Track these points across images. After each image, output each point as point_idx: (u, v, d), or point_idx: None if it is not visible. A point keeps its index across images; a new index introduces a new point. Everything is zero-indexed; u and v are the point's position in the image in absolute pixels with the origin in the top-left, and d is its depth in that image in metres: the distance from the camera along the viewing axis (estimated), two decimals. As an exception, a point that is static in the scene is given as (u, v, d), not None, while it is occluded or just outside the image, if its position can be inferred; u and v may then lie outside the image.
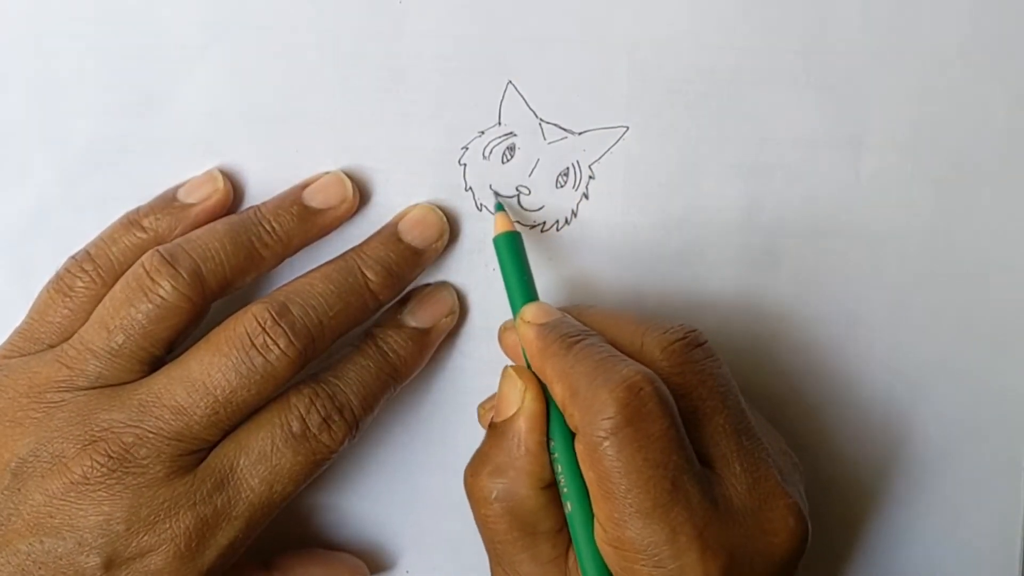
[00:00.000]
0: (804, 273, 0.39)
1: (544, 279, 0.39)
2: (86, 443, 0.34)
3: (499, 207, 0.38)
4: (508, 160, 0.39)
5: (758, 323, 0.40)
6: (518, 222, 0.39)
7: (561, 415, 0.34)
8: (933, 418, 0.40)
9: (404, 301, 0.39)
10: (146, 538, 0.33)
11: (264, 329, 0.34)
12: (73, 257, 0.37)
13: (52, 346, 0.36)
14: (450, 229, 0.39)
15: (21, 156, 0.39)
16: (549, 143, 0.39)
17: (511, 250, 0.36)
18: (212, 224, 0.37)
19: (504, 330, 0.38)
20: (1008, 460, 0.40)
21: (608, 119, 0.39)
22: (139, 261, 0.35)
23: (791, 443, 0.38)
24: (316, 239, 0.38)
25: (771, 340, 0.40)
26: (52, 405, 0.35)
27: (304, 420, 0.35)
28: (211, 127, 0.39)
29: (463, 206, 0.39)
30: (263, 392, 0.34)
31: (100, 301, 0.36)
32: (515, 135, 0.39)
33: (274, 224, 0.37)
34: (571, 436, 0.33)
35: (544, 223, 0.39)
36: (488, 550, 0.35)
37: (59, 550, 0.33)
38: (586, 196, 0.39)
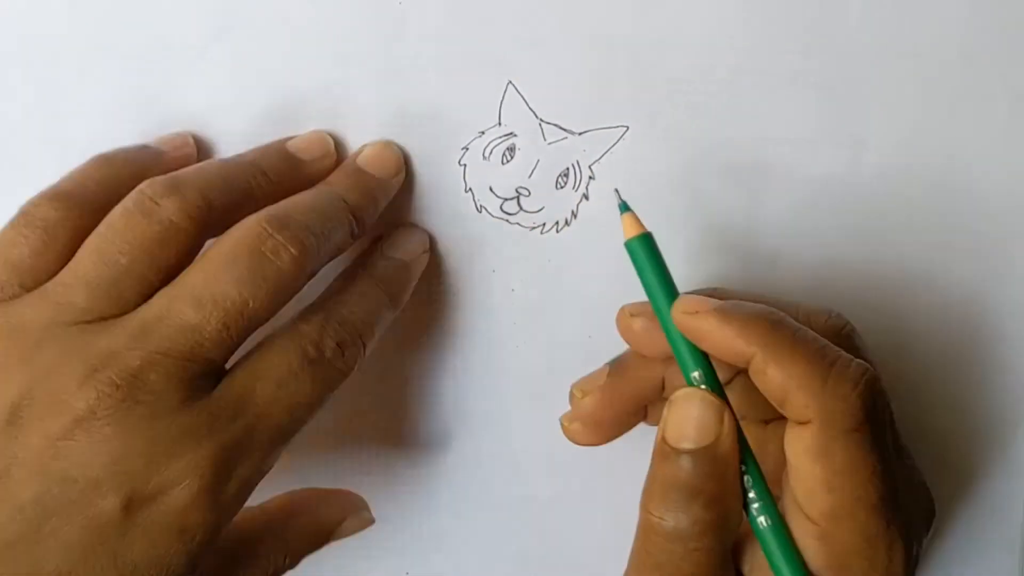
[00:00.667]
0: (804, 273, 0.39)
1: (544, 279, 0.39)
2: (87, 374, 0.31)
3: (624, 207, 0.34)
4: (508, 161, 0.39)
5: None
6: (518, 224, 0.39)
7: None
8: (933, 418, 0.40)
9: (380, 239, 0.38)
10: (167, 472, 0.30)
11: (272, 234, 0.33)
12: (40, 193, 0.34)
13: (25, 287, 0.33)
14: (454, 231, 0.39)
15: (21, 156, 0.39)
16: (549, 143, 0.39)
17: (647, 251, 0.33)
18: (203, 163, 0.36)
19: (631, 316, 0.35)
20: (1008, 460, 0.40)
21: (608, 119, 0.39)
22: (137, 188, 0.33)
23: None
24: (301, 188, 0.37)
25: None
26: (40, 344, 0.31)
27: (319, 345, 0.33)
28: (211, 127, 0.39)
29: (463, 207, 0.39)
30: (274, 304, 0.33)
31: (78, 235, 0.33)
32: (515, 135, 0.39)
33: (265, 169, 0.36)
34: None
35: (544, 224, 0.39)
36: None
37: (71, 495, 0.30)
38: (586, 197, 0.39)
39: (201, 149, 0.39)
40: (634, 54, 0.38)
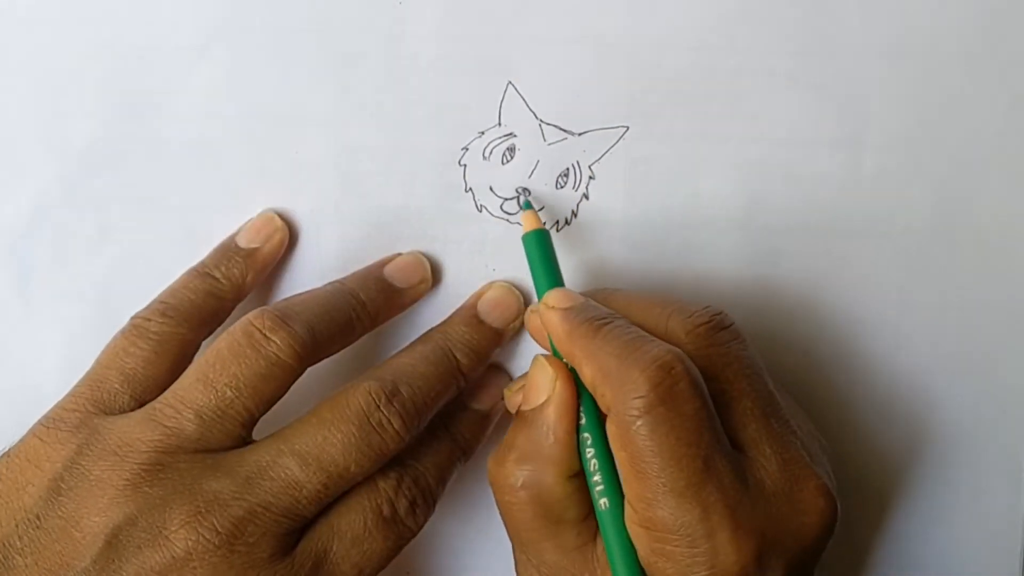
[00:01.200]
0: (804, 273, 0.39)
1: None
2: (191, 514, 0.32)
3: (527, 205, 0.38)
4: (508, 161, 0.39)
5: (758, 323, 0.40)
6: (518, 224, 0.39)
7: (592, 399, 0.33)
8: (934, 418, 0.40)
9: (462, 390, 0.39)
10: None
11: (379, 406, 0.34)
12: (139, 312, 0.36)
13: (136, 398, 0.34)
14: (454, 231, 0.39)
15: (21, 156, 0.39)
16: (549, 144, 0.39)
17: (540, 246, 0.36)
18: (312, 291, 0.37)
19: (531, 312, 0.38)
20: (1009, 459, 0.40)
21: (608, 119, 0.39)
22: (245, 318, 0.34)
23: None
24: (395, 315, 0.38)
25: (771, 340, 0.40)
26: (148, 469, 0.32)
27: (394, 504, 0.34)
28: (211, 128, 0.39)
29: (463, 207, 0.39)
30: (370, 471, 0.34)
31: (181, 345, 0.35)
32: (515, 136, 0.39)
33: (363, 300, 0.37)
34: (602, 419, 0.33)
35: (544, 224, 0.39)
36: (512, 538, 0.35)
37: None
38: (586, 196, 0.39)
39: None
40: (634, 54, 0.38)
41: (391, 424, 0.34)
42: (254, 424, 0.34)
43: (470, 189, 0.39)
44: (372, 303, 0.37)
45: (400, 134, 0.39)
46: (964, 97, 0.39)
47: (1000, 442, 0.40)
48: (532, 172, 0.39)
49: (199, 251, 0.39)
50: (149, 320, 0.35)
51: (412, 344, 0.38)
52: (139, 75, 0.39)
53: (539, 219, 0.37)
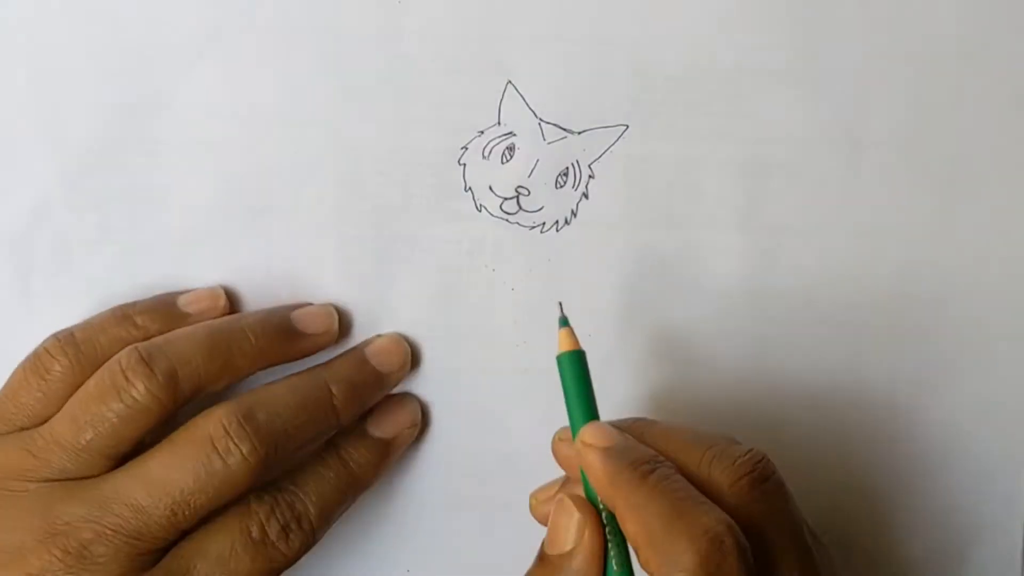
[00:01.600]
0: (804, 272, 0.39)
1: (544, 280, 0.39)
2: (45, 536, 0.33)
3: (564, 322, 0.35)
4: (508, 160, 0.39)
5: (758, 322, 0.40)
6: (518, 223, 0.39)
7: (622, 546, 0.32)
8: (933, 417, 0.40)
9: (368, 410, 0.39)
10: None
11: (228, 433, 0.34)
12: (55, 336, 0.37)
13: (23, 428, 0.36)
14: (453, 231, 0.39)
15: (20, 157, 0.39)
16: (549, 143, 0.39)
17: (575, 368, 0.35)
18: (194, 327, 0.37)
19: (560, 441, 0.36)
20: (1009, 459, 0.40)
21: (608, 118, 0.39)
22: (116, 357, 0.35)
23: (791, 444, 0.38)
24: (292, 360, 0.38)
25: (771, 339, 0.40)
26: (13, 494, 0.34)
27: (264, 527, 0.35)
28: (210, 128, 0.39)
29: (463, 207, 0.39)
30: (221, 496, 0.34)
31: (75, 388, 0.36)
32: (515, 135, 0.39)
33: (256, 338, 0.37)
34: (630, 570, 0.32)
35: (544, 223, 0.39)
36: None
37: None
38: (586, 196, 0.39)
39: (262, 211, 0.39)
40: (633, 53, 0.38)
41: (239, 450, 0.34)
42: (121, 457, 0.35)
43: (469, 188, 0.39)
44: (266, 338, 0.37)
45: (399, 133, 0.39)
46: (964, 97, 0.39)
47: (1000, 442, 0.40)
48: (532, 171, 0.39)
49: (199, 251, 0.39)
50: (53, 359, 0.36)
51: (288, 376, 0.37)
52: (139, 75, 0.39)
53: (575, 339, 0.35)
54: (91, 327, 0.37)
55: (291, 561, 0.35)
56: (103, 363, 0.36)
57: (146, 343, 0.35)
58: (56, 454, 0.34)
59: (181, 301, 0.38)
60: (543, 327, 0.40)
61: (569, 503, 0.33)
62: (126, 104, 0.39)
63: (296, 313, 0.38)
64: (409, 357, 0.39)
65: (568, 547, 0.32)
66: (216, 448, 0.34)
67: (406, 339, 0.40)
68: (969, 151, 0.39)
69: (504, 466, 0.41)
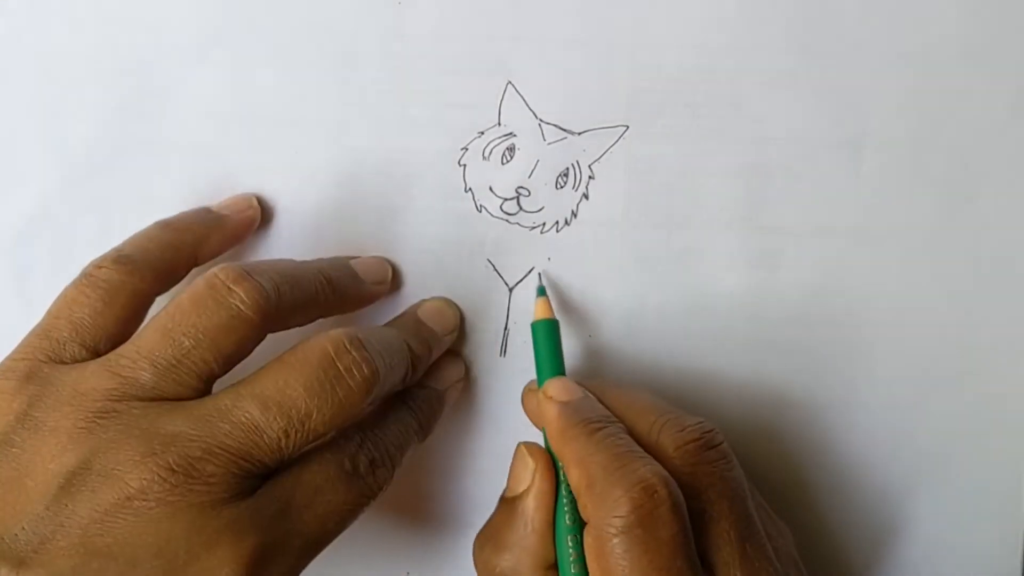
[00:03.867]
0: (804, 273, 0.39)
1: (544, 278, 0.39)
2: (147, 454, 0.31)
3: (541, 291, 0.38)
4: (508, 161, 0.39)
5: (758, 323, 0.40)
6: (518, 224, 0.39)
7: (574, 498, 0.34)
8: (934, 418, 0.40)
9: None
10: (205, 562, 0.31)
11: (350, 351, 0.33)
12: (99, 257, 0.35)
13: (85, 347, 0.34)
14: (454, 231, 0.39)
15: (20, 158, 0.39)
16: (549, 143, 0.39)
17: (548, 336, 0.37)
18: (280, 259, 0.37)
19: (528, 391, 0.38)
20: (1009, 461, 0.40)
21: (608, 119, 0.39)
22: (211, 271, 0.33)
23: (791, 444, 0.38)
24: (355, 308, 0.38)
25: (770, 340, 0.40)
26: (104, 415, 0.32)
27: (355, 461, 0.34)
28: (210, 128, 0.39)
29: (463, 207, 0.39)
30: (334, 421, 0.33)
31: (137, 297, 0.34)
32: (515, 136, 0.39)
33: (332, 278, 0.36)
34: (581, 521, 0.33)
35: (544, 224, 0.39)
36: None
37: (109, 571, 0.30)
38: (586, 196, 0.39)
39: (265, 210, 0.39)
40: (633, 54, 0.38)
41: (361, 369, 0.33)
42: (213, 378, 0.33)
43: (470, 189, 0.39)
44: (337, 282, 0.37)
45: (400, 134, 0.39)
46: (964, 97, 0.39)
47: (1000, 442, 0.40)
48: (532, 172, 0.39)
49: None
50: (101, 268, 0.34)
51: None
52: (139, 76, 0.39)
53: (551, 308, 0.38)
54: (135, 238, 0.36)
55: (376, 494, 0.35)
56: (160, 270, 0.35)
57: (239, 264, 0.34)
58: (146, 370, 0.32)
59: (217, 205, 0.38)
60: (543, 327, 0.40)
61: (524, 450, 0.36)
62: (126, 105, 0.39)
63: (356, 262, 0.38)
64: (459, 317, 0.40)
65: (522, 489, 0.35)
66: (339, 367, 0.33)
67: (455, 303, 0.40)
68: (969, 152, 0.39)
69: (504, 466, 0.41)
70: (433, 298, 0.40)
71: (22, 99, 0.39)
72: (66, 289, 0.35)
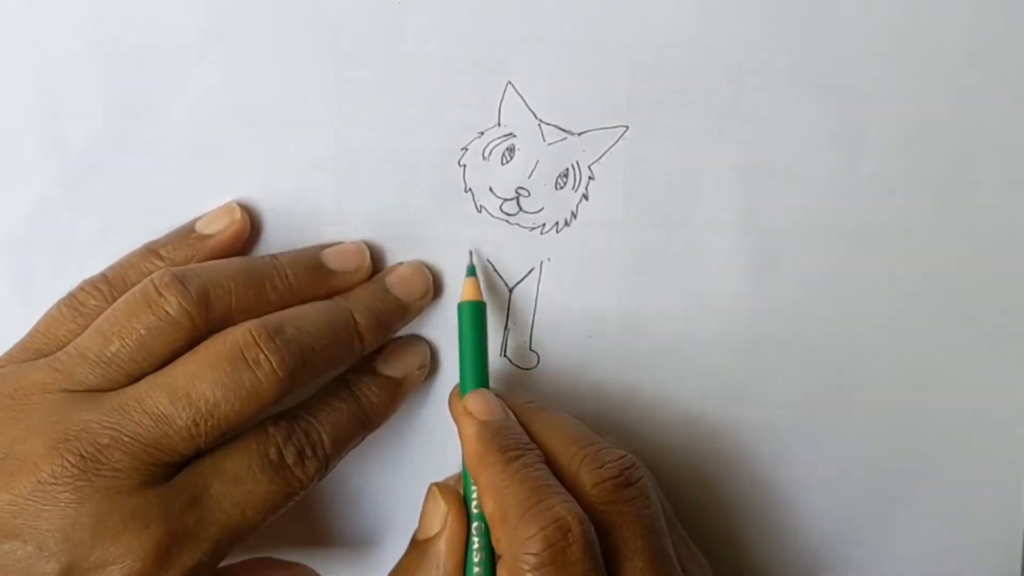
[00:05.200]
0: (804, 273, 0.39)
1: (544, 281, 0.39)
2: (58, 441, 0.32)
3: (471, 271, 0.37)
4: (507, 161, 0.39)
5: (758, 323, 0.40)
6: (518, 224, 0.39)
7: (486, 534, 0.34)
8: (933, 417, 0.40)
9: (378, 350, 0.39)
10: (110, 549, 0.32)
11: (258, 343, 0.34)
12: (89, 279, 0.37)
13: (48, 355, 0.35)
14: (453, 232, 0.39)
15: (20, 158, 0.39)
16: (549, 144, 0.39)
17: (473, 319, 0.37)
18: (229, 259, 0.37)
19: (454, 395, 0.38)
20: (1009, 460, 0.40)
21: (608, 119, 0.39)
22: (148, 277, 0.35)
23: (790, 445, 0.37)
24: (323, 297, 0.38)
25: (771, 340, 0.40)
26: (31, 405, 0.33)
27: (281, 450, 0.35)
28: (210, 128, 0.39)
29: (463, 208, 0.39)
30: (246, 410, 0.34)
31: None
32: (514, 136, 0.39)
33: (288, 273, 0.37)
34: (492, 559, 0.34)
35: (544, 224, 0.39)
36: None
37: (18, 553, 0.32)
38: (586, 197, 0.39)
39: (264, 211, 0.39)
40: (633, 54, 0.38)
41: (268, 362, 0.34)
42: (143, 375, 0.34)
43: (469, 189, 0.39)
44: (297, 276, 0.37)
45: (399, 134, 0.39)
46: (964, 96, 0.39)
47: (1000, 442, 0.40)
48: (531, 172, 0.39)
49: (199, 252, 0.39)
50: (87, 294, 0.36)
51: (314, 302, 0.37)
52: (139, 76, 0.39)
53: (479, 289, 0.37)
54: (120, 266, 0.37)
55: (304, 487, 0.35)
56: None
57: (177, 268, 0.35)
58: (79, 366, 0.34)
59: (198, 225, 0.38)
60: (543, 327, 0.40)
61: (436, 492, 0.36)
62: (126, 105, 0.39)
63: (327, 251, 0.38)
64: (431, 285, 0.39)
65: (433, 532, 0.35)
66: (245, 358, 0.34)
67: (428, 267, 0.39)
68: (969, 152, 0.39)
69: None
70: (405, 263, 0.39)
71: (22, 99, 0.39)
72: (54, 306, 0.37)
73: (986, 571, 0.41)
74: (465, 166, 0.39)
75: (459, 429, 0.35)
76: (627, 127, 0.39)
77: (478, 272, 0.39)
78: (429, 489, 0.36)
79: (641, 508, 0.33)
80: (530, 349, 0.40)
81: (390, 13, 0.38)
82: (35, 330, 0.36)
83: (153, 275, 0.35)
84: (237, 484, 0.34)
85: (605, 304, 0.40)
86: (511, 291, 0.40)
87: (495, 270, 0.40)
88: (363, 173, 0.39)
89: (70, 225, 0.40)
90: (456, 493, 0.36)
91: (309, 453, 0.35)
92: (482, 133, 0.39)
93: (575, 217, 0.39)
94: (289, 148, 0.39)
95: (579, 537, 0.31)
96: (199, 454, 0.34)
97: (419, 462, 0.41)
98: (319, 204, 0.39)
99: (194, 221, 0.39)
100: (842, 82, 0.38)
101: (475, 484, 0.34)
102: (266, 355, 0.34)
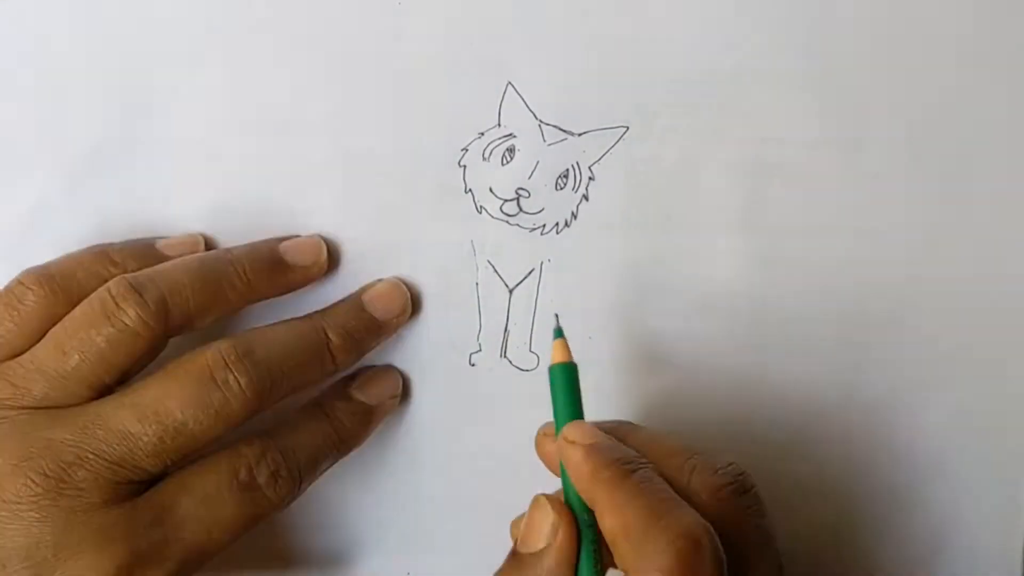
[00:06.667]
0: (804, 273, 0.39)
1: (545, 282, 0.39)
2: (23, 459, 0.32)
3: (558, 333, 0.35)
4: (508, 162, 0.39)
5: (759, 324, 0.40)
6: (518, 225, 0.39)
7: (598, 547, 0.32)
8: (934, 418, 0.40)
9: (352, 376, 0.39)
10: (72, 566, 0.32)
11: (227, 364, 0.34)
12: (29, 270, 0.36)
13: None
14: (454, 232, 0.39)
15: (21, 159, 0.39)
16: (549, 144, 0.39)
17: (566, 380, 0.34)
18: (184, 258, 0.36)
19: (543, 435, 0.36)
20: (1009, 460, 0.40)
21: (608, 120, 0.39)
22: (104, 286, 0.34)
23: (790, 446, 0.38)
24: (282, 293, 0.38)
25: (771, 341, 0.40)
26: None
27: (252, 470, 0.34)
28: (211, 129, 0.39)
29: (463, 208, 0.39)
30: (213, 429, 0.33)
31: (51, 320, 0.35)
32: (515, 136, 0.39)
33: (245, 269, 0.36)
34: (604, 569, 0.32)
35: (544, 225, 0.39)
36: None
37: None
38: (586, 198, 0.39)
39: (264, 211, 0.39)
40: (633, 55, 0.38)
41: (237, 382, 0.34)
42: (106, 388, 0.34)
43: (470, 190, 0.39)
44: (254, 271, 0.36)
45: (400, 135, 0.39)
46: (964, 97, 0.38)
47: (1000, 443, 0.40)
48: (532, 173, 0.39)
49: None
50: (27, 289, 0.35)
51: (286, 319, 0.37)
52: (140, 77, 0.39)
53: (569, 351, 0.35)
54: (67, 261, 0.36)
55: (275, 508, 0.35)
56: (79, 296, 0.35)
57: (135, 274, 0.35)
58: (38, 382, 0.34)
59: (160, 244, 0.38)
60: (543, 328, 0.40)
61: (544, 502, 0.33)
62: (127, 106, 0.39)
63: (284, 244, 0.38)
64: (409, 303, 0.39)
65: (540, 546, 0.32)
66: (214, 378, 0.33)
67: (406, 284, 0.39)
68: (970, 152, 0.39)
69: (504, 466, 0.41)
70: (382, 280, 0.39)
71: (23, 100, 0.39)
72: None
73: (986, 571, 0.41)
74: (465, 167, 0.39)
75: (564, 459, 0.33)
76: (627, 127, 0.39)
77: (479, 273, 0.39)
78: (536, 499, 0.33)
79: (758, 518, 0.33)
80: (530, 351, 0.40)
81: (390, 13, 0.38)
82: None
83: (109, 284, 0.34)
84: (205, 503, 0.33)
85: (605, 305, 0.40)
86: (511, 292, 0.40)
87: (495, 271, 0.40)
88: (363, 174, 0.39)
89: (70, 225, 0.40)
90: (564, 505, 0.33)
91: (284, 474, 0.35)
92: (482, 134, 0.39)
93: (575, 218, 0.39)
94: (289, 149, 0.39)
95: (709, 551, 0.30)
96: (166, 472, 0.34)
97: (391, 481, 0.41)
98: (319, 205, 0.39)
99: (155, 239, 0.38)
100: (841, 82, 0.38)
101: (591, 504, 0.32)
102: (235, 376, 0.34)
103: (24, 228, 0.40)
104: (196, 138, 0.39)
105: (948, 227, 0.39)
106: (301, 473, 0.36)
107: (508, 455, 0.41)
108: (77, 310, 0.34)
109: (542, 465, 0.38)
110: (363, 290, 0.39)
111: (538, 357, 0.40)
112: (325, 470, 0.37)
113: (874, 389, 0.40)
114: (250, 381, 0.34)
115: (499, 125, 0.39)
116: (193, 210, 0.39)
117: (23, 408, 0.33)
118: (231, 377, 0.34)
